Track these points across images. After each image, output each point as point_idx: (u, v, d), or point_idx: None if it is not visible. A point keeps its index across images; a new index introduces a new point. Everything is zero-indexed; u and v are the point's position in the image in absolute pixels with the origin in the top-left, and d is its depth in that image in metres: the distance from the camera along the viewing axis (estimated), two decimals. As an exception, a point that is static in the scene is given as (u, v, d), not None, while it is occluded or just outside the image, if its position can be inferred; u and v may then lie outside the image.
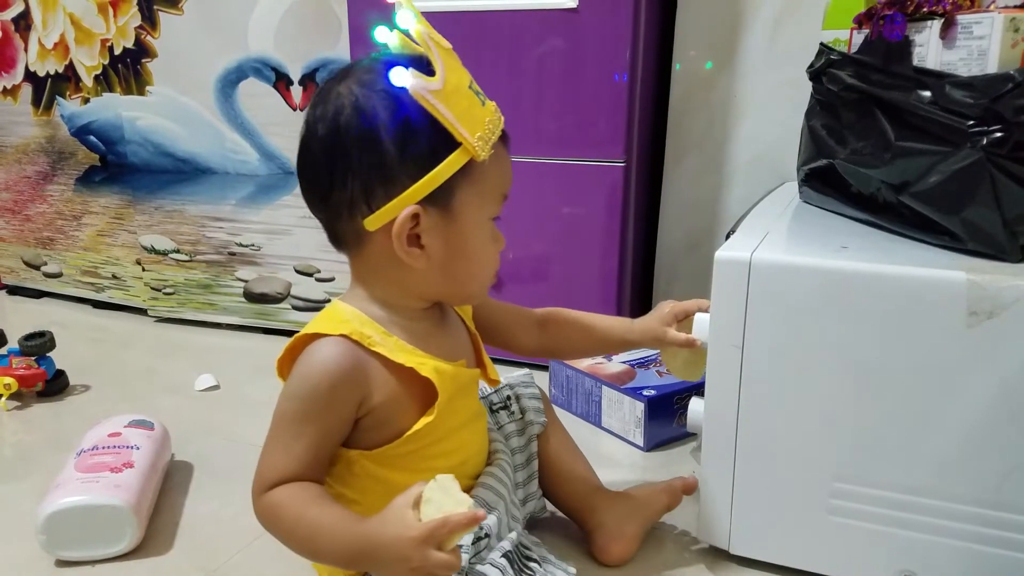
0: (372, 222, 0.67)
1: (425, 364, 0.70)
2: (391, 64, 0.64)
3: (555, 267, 1.34)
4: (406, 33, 0.67)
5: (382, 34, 0.69)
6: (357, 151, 0.66)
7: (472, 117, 0.66)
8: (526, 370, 0.96)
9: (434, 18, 1.30)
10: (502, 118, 0.70)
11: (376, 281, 0.73)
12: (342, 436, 0.71)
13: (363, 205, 0.67)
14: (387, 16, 1.35)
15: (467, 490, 0.72)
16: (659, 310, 0.90)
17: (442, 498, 0.62)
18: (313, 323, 0.71)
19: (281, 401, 0.70)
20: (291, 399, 0.69)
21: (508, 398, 0.90)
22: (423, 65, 0.65)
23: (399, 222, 0.66)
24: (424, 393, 0.71)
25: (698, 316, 0.86)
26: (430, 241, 0.69)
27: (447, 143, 0.66)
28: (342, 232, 0.71)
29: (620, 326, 0.91)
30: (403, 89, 0.63)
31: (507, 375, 0.92)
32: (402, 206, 0.66)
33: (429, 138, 0.65)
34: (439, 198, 0.67)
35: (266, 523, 0.69)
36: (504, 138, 0.71)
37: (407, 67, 0.63)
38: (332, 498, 0.69)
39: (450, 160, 0.66)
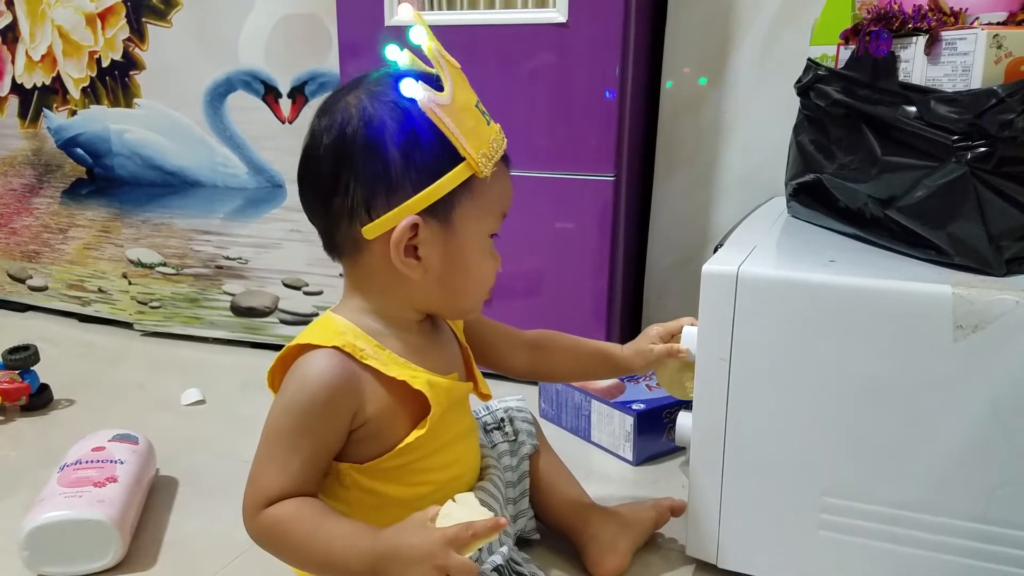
0: (371, 230, 0.68)
1: (418, 377, 0.70)
2: (402, 77, 0.66)
3: (545, 281, 1.34)
4: (418, 49, 0.69)
5: (392, 52, 0.70)
6: (362, 158, 0.67)
7: (477, 134, 0.68)
8: (520, 396, 0.96)
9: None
10: (505, 139, 0.72)
11: (371, 291, 0.73)
12: (336, 449, 0.70)
13: (364, 213, 0.68)
14: (377, 30, 1.36)
15: None
16: (646, 333, 0.91)
17: (463, 512, 0.64)
18: (305, 334, 0.71)
19: (274, 414, 0.69)
20: (285, 412, 0.68)
21: (502, 420, 0.91)
22: (433, 82, 0.66)
23: (398, 231, 0.67)
24: (417, 406, 0.71)
25: (686, 329, 0.87)
26: (427, 253, 0.69)
27: (451, 157, 0.67)
28: (340, 240, 0.71)
29: (608, 350, 0.92)
30: (412, 101, 0.65)
31: (502, 398, 0.93)
32: (402, 215, 0.67)
33: (434, 151, 0.66)
34: (439, 211, 0.68)
35: (267, 540, 0.68)
36: (506, 159, 0.73)
37: (418, 80, 0.65)
38: (336, 511, 0.68)
39: (453, 174, 0.67)
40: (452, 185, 0.67)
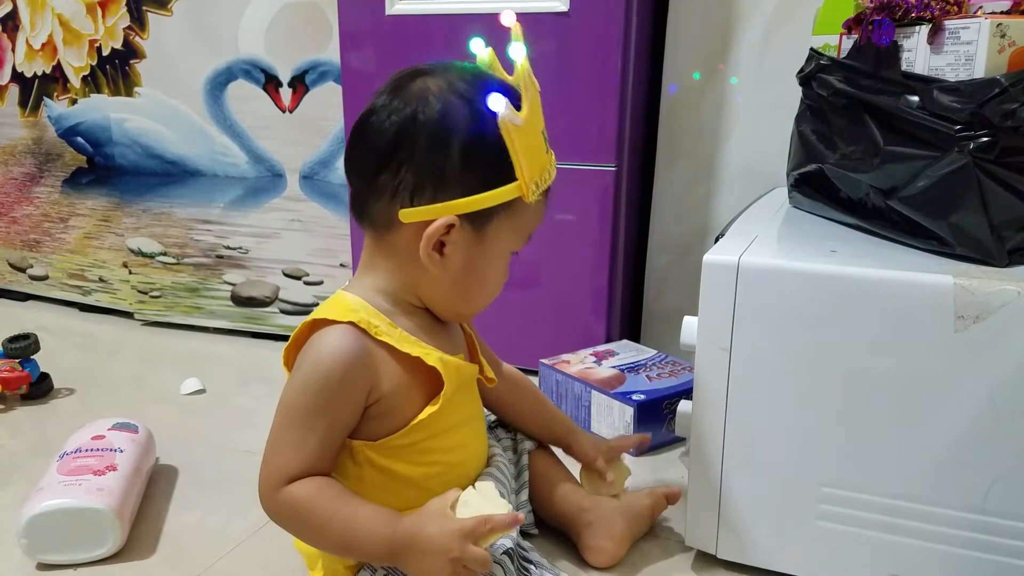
0: (408, 215, 0.69)
1: (431, 354, 0.72)
2: (490, 84, 0.68)
3: (546, 271, 1.33)
4: (510, 62, 0.71)
5: (477, 47, 0.73)
6: (425, 146, 0.68)
7: (536, 161, 0.70)
8: None
9: (424, 21, 1.30)
10: (556, 169, 0.74)
11: (386, 269, 0.74)
12: (352, 426, 0.71)
13: (407, 197, 0.69)
14: (378, 19, 1.35)
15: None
16: (602, 440, 0.95)
17: (480, 502, 0.66)
18: (319, 311, 0.72)
19: (289, 392, 0.70)
20: (301, 390, 0.69)
21: None
22: (513, 97, 0.68)
23: (434, 226, 0.69)
24: (428, 384, 0.72)
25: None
26: (452, 253, 0.71)
27: (506, 174, 0.69)
28: (374, 211, 0.72)
29: (566, 421, 0.95)
30: (492, 112, 0.66)
31: None
32: (443, 213, 0.68)
33: (493, 163, 0.68)
34: (477, 219, 0.70)
35: (286, 520, 0.70)
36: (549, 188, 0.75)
37: (505, 95, 0.66)
38: (355, 493, 0.70)
39: (503, 191, 0.69)
40: (498, 201, 0.69)
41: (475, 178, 0.68)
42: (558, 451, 0.97)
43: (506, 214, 0.71)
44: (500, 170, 0.68)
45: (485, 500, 0.66)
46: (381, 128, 0.69)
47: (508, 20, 0.70)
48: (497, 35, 1.25)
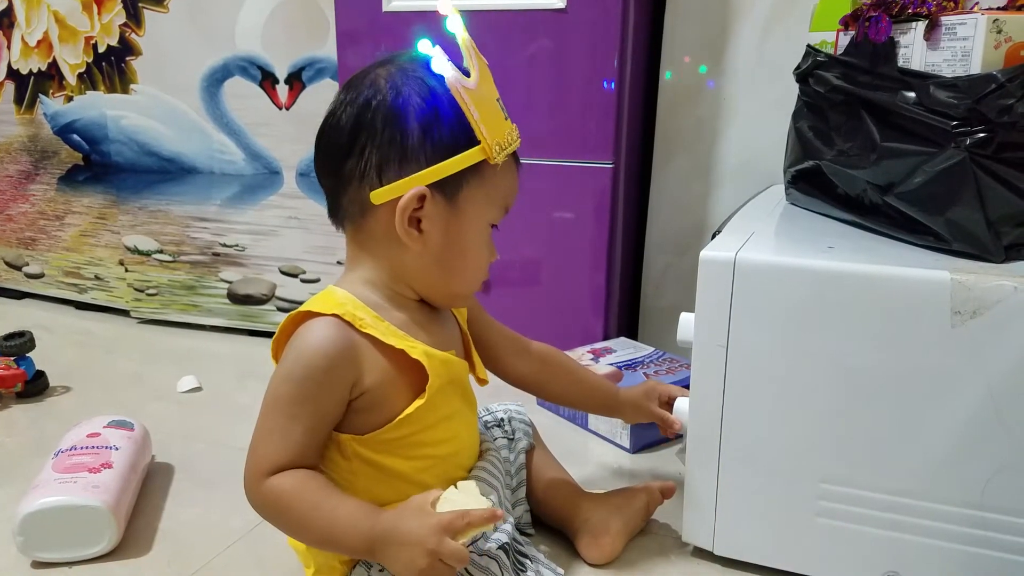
0: (379, 195, 0.69)
1: (415, 347, 0.72)
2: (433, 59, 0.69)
3: (543, 268, 1.33)
4: (450, 41, 0.71)
5: (425, 47, 0.73)
6: (382, 126, 0.69)
7: (494, 124, 0.70)
8: (519, 402, 0.98)
9: (422, 18, 1.30)
10: (519, 138, 0.75)
11: (370, 259, 0.74)
12: (336, 418, 0.71)
13: (375, 177, 0.69)
14: (375, 16, 1.35)
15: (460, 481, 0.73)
16: (647, 388, 0.96)
17: (463, 499, 0.66)
18: (307, 304, 0.72)
19: (275, 383, 0.70)
20: (286, 380, 0.69)
21: (501, 420, 0.93)
22: (462, 71, 0.69)
23: (405, 199, 0.69)
24: (415, 378, 0.72)
25: (679, 401, 0.91)
26: (429, 228, 0.71)
27: (467, 138, 0.69)
28: (347, 202, 0.72)
29: (607, 388, 0.96)
30: (439, 80, 0.68)
31: (503, 402, 0.95)
32: (411, 185, 0.69)
33: (452, 129, 0.69)
34: (447, 188, 0.70)
35: (269, 511, 0.70)
36: (516, 157, 0.76)
37: (449, 60, 0.68)
38: (338, 487, 0.70)
39: (466, 155, 0.69)
40: (463, 165, 0.69)
41: (437, 146, 0.69)
42: (556, 451, 0.97)
43: (476, 181, 0.71)
44: (460, 135, 0.69)
45: (466, 497, 0.66)
46: (339, 122, 0.70)
47: (445, 8, 0.71)
48: (494, 33, 1.25)
